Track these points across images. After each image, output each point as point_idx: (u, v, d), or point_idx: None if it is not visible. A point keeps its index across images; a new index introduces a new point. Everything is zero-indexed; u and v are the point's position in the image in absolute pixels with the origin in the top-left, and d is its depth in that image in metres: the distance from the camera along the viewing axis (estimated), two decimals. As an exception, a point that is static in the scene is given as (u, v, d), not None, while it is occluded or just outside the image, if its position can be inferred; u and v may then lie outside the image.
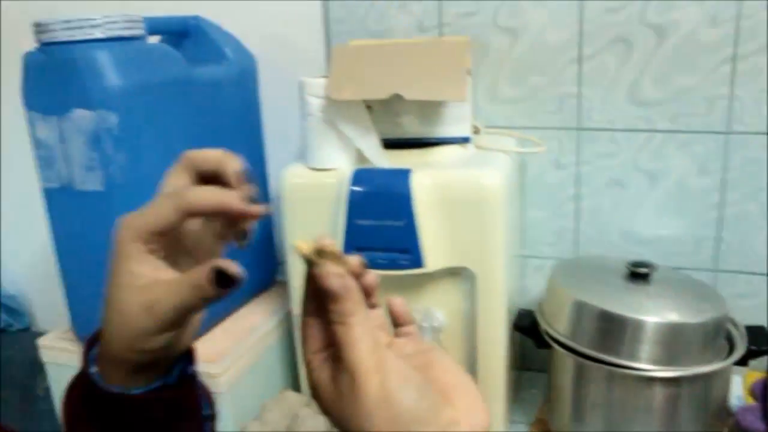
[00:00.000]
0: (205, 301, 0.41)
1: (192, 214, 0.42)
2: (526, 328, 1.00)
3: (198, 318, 0.48)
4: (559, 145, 1.13)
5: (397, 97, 0.89)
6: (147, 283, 0.42)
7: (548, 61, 1.11)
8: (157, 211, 0.42)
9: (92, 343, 0.47)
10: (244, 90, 1.14)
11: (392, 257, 0.90)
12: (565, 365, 0.95)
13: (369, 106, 0.96)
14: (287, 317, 1.09)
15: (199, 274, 0.40)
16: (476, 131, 1.09)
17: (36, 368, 1.11)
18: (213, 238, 0.47)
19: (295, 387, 1.09)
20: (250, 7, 1.23)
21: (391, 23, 1.17)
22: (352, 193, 0.90)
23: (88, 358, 0.46)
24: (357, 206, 0.90)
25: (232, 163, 0.45)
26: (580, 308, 0.92)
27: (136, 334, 0.42)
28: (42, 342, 1.11)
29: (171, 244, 0.44)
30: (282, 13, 1.22)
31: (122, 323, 0.42)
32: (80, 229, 0.97)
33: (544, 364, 1.03)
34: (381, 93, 0.90)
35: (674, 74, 1.05)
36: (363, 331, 0.41)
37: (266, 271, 1.18)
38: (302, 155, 0.99)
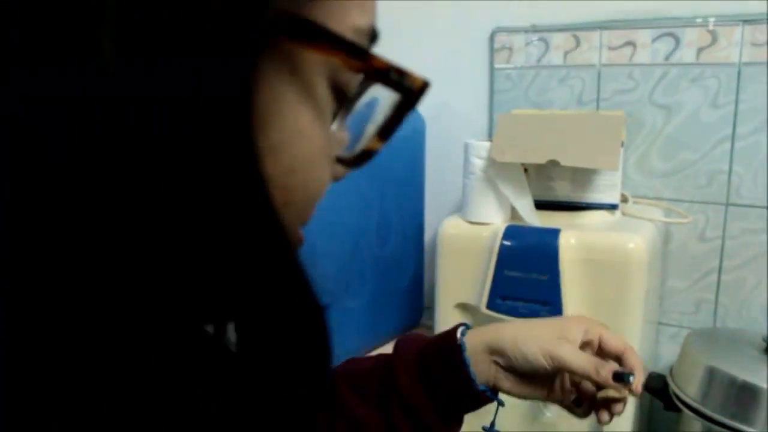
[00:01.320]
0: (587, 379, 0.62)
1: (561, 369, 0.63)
2: (656, 390, 1.04)
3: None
4: (705, 219, 1.17)
5: (553, 163, 0.99)
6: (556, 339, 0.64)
7: (700, 137, 1.16)
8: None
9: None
10: (412, 147, 1.27)
11: (534, 308, 0.99)
12: (693, 430, 0.99)
13: (526, 169, 1.06)
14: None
15: (607, 366, 0.61)
16: (624, 200, 1.16)
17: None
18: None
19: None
20: (424, 74, 1.37)
21: (552, 95, 1.27)
22: (503, 247, 1.00)
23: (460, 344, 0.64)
24: (506, 259, 1.00)
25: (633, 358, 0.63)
26: (712, 374, 0.96)
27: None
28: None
29: None
30: (452, 82, 1.36)
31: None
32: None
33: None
34: (539, 158, 1.00)
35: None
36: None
37: (412, 313, 1.28)
38: (459, 209, 1.10)
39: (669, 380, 1.03)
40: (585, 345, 0.65)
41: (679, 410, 1.00)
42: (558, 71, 1.26)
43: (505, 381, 0.64)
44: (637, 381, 0.60)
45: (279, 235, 0.31)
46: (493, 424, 0.68)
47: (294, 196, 0.32)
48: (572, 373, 0.63)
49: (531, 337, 0.62)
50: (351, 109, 0.36)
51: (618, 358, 0.64)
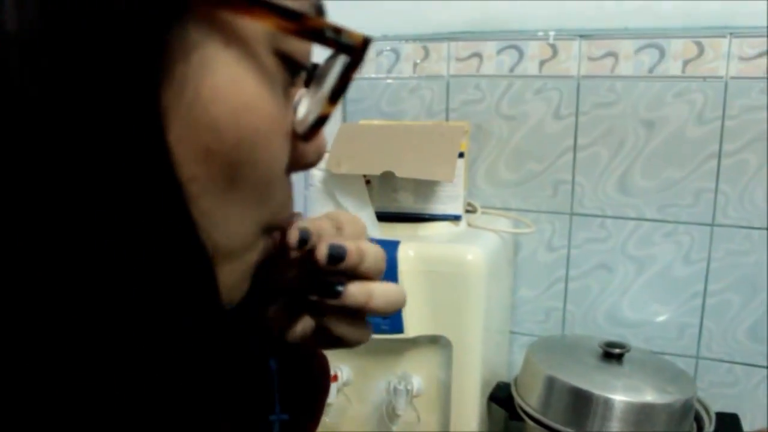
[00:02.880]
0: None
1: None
2: (502, 400, 1.04)
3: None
4: (552, 228, 1.19)
5: (389, 174, 0.97)
6: None
7: (545, 148, 1.18)
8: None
9: None
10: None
11: (375, 322, 0.95)
12: (536, 439, 0.99)
13: (368, 180, 1.04)
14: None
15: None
16: (473, 210, 1.16)
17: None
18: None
19: None
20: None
21: (403, 106, 1.26)
22: (343, 260, 0.97)
23: None
24: (346, 272, 0.97)
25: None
26: (551, 383, 0.96)
27: None
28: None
29: None
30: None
31: None
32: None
33: (524, 439, 1.07)
34: (375, 169, 0.98)
35: (662, 166, 1.11)
36: None
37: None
38: (305, 222, 1.07)
39: (513, 390, 1.03)
40: None
41: (523, 420, 1.00)
42: (408, 82, 1.25)
43: None
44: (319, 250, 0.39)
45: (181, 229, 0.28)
46: None
47: (242, 174, 0.30)
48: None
49: None
50: (314, 82, 0.34)
51: None
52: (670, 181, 1.12)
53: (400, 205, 1.06)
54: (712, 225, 1.11)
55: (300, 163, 0.35)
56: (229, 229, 0.31)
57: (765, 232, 1.08)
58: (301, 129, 0.34)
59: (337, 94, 0.32)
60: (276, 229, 0.35)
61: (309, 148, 0.35)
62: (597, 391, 0.92)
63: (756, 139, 1.06)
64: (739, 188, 1.08)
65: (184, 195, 0.28)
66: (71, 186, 0.25)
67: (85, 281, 0.26)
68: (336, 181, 1.01)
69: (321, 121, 0.33)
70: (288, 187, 0.35)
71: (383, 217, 1.04)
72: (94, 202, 0.26)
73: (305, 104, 0.34)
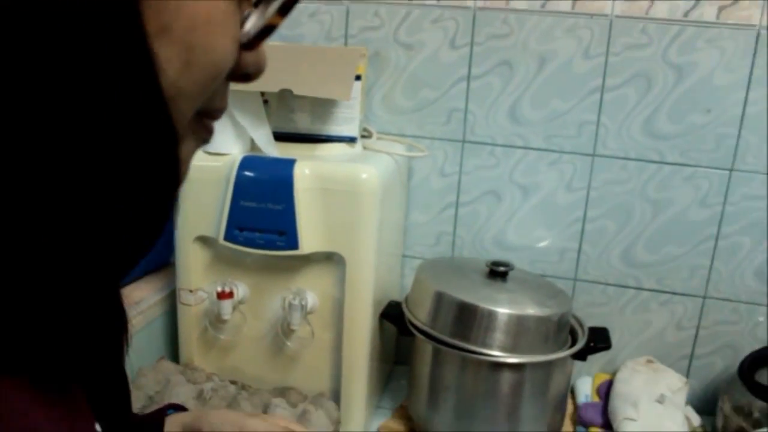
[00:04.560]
0: None
1: None
2: (393, 317, 1.08)
3: None
4: (444, 155, 1.23)
5: (290, 93, 0.98)
6: None
7: (440, 77, 1.21)
8: None
9: None
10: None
11: (271, 238, 0.98)
12: (424, 351, 1.04)
13: (266, 100, 1.04)
14: (172, 294, 1.14)
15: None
16: (369, 135, 1.18)
17: None
18: None
19: (173, 357, 1.15)
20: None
21: (302, 30, 1.25)
22: (239, 177, 0.98)
23: None
24: (242, 189, 0.98)
25: None
26: (440, 298, 1.01)
27: None
28: None
29: None
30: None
31: None
32: None
33: (413, 355, 1.12)
34: (273, 87, 0.98)
35: (549, 98, 1.17)
36: None
37: (160, 253, 1.23)
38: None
39: (404, 307, 1.08)
40: None
41: (413, 335, 1.05)
42: (308, 6, 1.24)
43: None
44: None
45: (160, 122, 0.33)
46: None
47: (195, 56, 0.32)
48: None
49: (226, 416, 0.69)
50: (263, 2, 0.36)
51: None
52: (557, 112, 1.17)
53: (297, 126, 1.07)
54: (593, 155, 1.17)
55: (239, 71, 0.37)
56: (179, 107, 0.34)
57: (639, 163, 1.16)
58: (245, 39, 0.36)
59: (288, 7, 0.35)
60: (208, 116, 0.39)
61: (249, 59, 0.37)
62: (482, 304, 0.98)
63: (635, 76, 1.13)
64: (618, 121, 1.15)
65: (157, 66, 0.31)
66: (62, 60, 0.28)
67: (68, 145, 0.30)
68: (234, 98, 1.00)
69: (267, 30, 0.36)
70: (225, 90, 0.39)
71: (280, 137, 1.05)
72: (79, 68, 0.29)
73: (252, 20, 0.36)
